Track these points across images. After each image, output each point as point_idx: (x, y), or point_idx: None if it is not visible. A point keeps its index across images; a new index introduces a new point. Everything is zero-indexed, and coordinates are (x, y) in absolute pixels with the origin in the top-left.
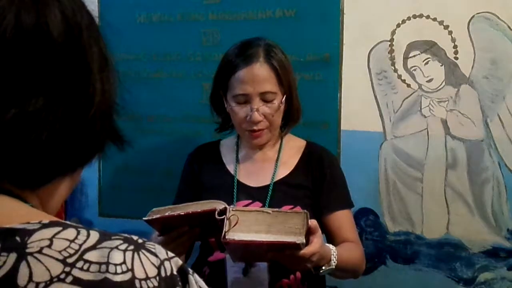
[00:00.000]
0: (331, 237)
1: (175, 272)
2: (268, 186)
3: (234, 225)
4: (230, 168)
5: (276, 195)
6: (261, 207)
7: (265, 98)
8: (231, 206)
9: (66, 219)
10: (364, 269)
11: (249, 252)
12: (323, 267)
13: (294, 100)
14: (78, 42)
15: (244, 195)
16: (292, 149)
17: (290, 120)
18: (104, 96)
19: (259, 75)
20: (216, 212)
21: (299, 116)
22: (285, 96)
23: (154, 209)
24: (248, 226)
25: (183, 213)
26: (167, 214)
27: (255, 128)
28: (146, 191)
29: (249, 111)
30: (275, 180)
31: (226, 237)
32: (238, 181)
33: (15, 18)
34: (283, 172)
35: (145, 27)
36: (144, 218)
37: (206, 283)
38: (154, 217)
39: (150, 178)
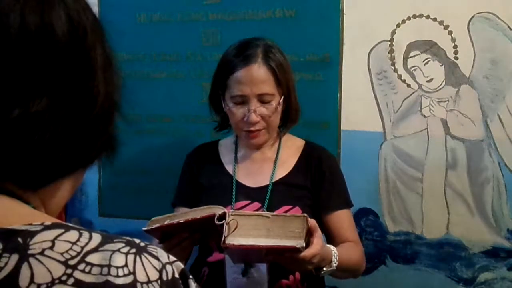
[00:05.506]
0: (330, 237)
1: (176, 276)
2: (267, 186)
3: (234, 230)
4: (229, 168)
5: (275, 195)
6: (260, 207)
7: (262, 99)
8: (230, 210)
9: (66, 219)
10: (364, 269)
11: (249, 256)
12: (324, 268)
13: (293, 100)
14: (82, 43)
15: (243, 195)
16: (291, 149)
17: (288, 120)
18: (107, 97)
19: (257, 76)
20: (215, 218)
21: (297, 116)
22: (283, 97)
23: (153, 218)
24: (247, 230)
25: (182, 221)
26: (166, 222)
27: (252, 128)
28: (146, 191)
29: (247, 111)
30: (274, 180)
31: (226, 242)
32: (237, 181)
33: (20, 18)
34: (282, 172)
35: (146, 27)
36: (143, 228)
37: (206, 284)
38: (153, 227)
39: (150, 178)
